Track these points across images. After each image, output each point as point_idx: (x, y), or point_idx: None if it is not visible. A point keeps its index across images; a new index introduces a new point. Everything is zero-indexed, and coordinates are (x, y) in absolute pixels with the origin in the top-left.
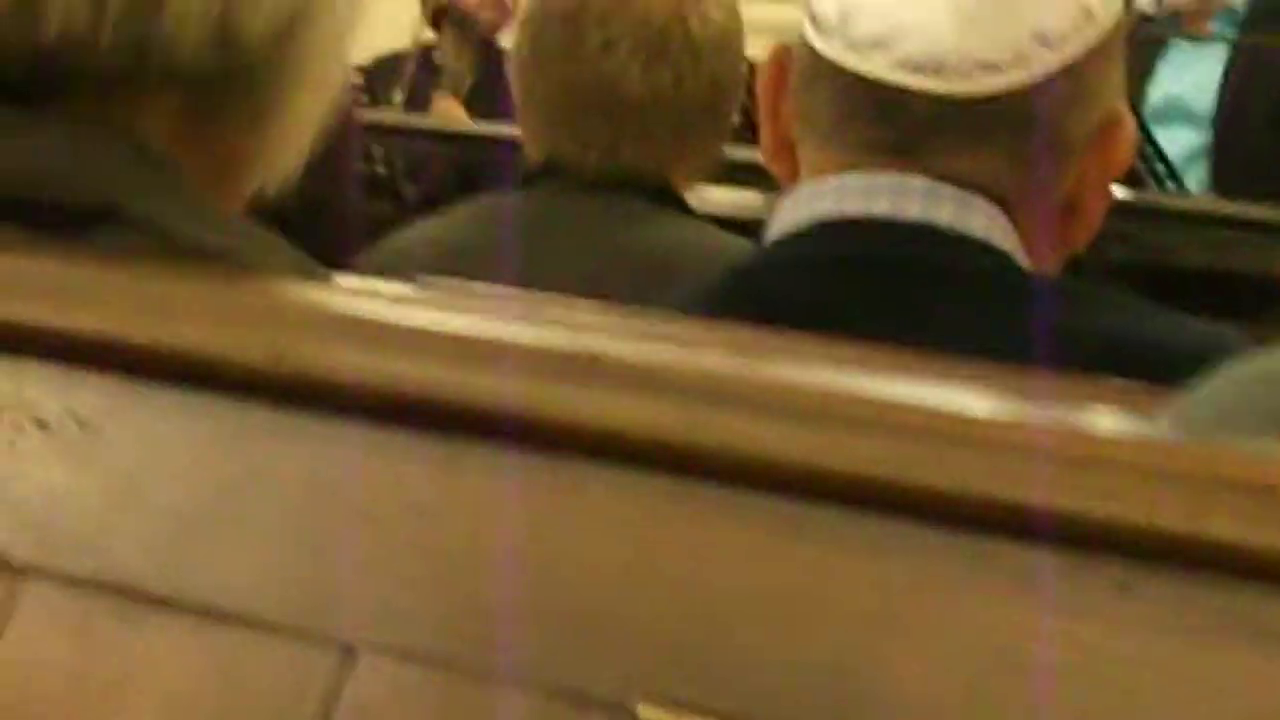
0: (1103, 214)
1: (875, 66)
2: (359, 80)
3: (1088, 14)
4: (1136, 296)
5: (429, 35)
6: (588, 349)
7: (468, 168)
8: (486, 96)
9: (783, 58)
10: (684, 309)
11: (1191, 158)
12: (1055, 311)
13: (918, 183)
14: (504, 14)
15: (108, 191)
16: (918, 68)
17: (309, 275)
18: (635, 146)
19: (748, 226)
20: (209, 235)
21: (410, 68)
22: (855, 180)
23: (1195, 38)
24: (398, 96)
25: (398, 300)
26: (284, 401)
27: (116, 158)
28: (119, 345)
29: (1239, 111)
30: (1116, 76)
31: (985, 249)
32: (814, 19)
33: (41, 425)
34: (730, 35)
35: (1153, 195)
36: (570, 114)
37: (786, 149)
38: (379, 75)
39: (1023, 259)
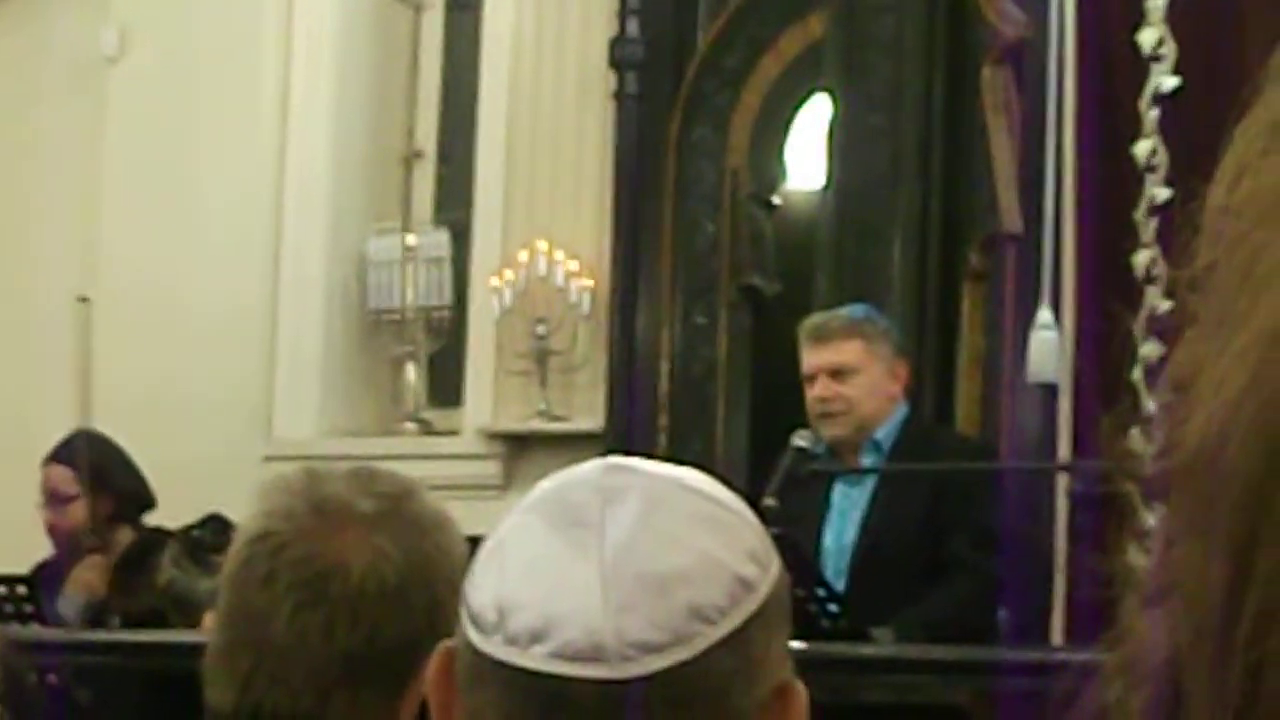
0: None
1: (535, 660)
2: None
3: (745, 585)
4: None
5: None
6: None
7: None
8: None
9: (448, 659)
10: None
11: None
12: None
13: None
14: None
15: None
16: (576, 656)
17: None
18: (273, 690)
19: None
20: None
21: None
22: None
23: (848, 471)
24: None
25: None
26: None
27: None
28: None
29: (877, 540)
30: (782, 644)
31: None
32: (473, 618)
33: None
34: (406, 590)
35: (831, 646)
36: (225, 650)
37: None
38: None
39: None
